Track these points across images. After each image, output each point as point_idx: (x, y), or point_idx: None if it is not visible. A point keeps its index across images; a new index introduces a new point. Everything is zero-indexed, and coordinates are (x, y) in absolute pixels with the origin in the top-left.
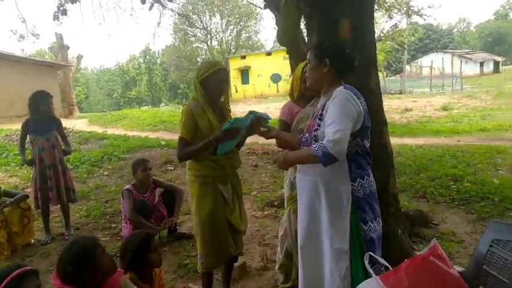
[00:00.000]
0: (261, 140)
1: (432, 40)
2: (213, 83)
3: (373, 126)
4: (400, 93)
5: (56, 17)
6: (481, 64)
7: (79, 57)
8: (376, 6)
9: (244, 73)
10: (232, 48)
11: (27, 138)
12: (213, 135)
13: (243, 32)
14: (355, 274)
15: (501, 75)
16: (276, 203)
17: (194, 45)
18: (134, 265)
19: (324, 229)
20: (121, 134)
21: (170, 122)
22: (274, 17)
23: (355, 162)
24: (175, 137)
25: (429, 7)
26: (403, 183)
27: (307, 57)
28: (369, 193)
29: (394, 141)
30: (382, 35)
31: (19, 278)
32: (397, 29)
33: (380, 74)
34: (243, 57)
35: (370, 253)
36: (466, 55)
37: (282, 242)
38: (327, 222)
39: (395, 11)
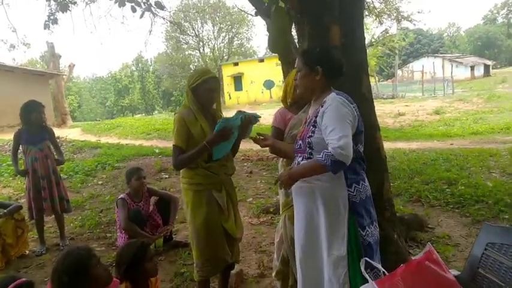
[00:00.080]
0: (256, 146)
1: (423, 45)
2: (203, 92)
3: (366, 131)
4: (393, 97)
5: (46, 26)
6: (472, 68)
7: (71, 66)
8: (366, 12)
9: (237, 80)
10: (224, 55)
11: (20, 148)
12: (206, 140)
13: (235, 38)
14: (353, 279)
15: (492, 78)
16: (271, 210)
17: (186, 53)
18: (130, 275)
19: (322, 236)
20: (115, 143)
21: (164, 130)
22: (265, 23)
23: (350, 168)
24: (169, 144)
25: (419, 12)
26: (398, 188)
27: (296, 64)
28: (365, 198)
29: (387, 145)
30: (373, 40)
31: None
32: (388, 34)
33: (372, 79)
34: (236, 64)
35: (366, 258)
36: (457, 59)
37: (279, 248)
38: (325, 228)
39: (385, 16)
